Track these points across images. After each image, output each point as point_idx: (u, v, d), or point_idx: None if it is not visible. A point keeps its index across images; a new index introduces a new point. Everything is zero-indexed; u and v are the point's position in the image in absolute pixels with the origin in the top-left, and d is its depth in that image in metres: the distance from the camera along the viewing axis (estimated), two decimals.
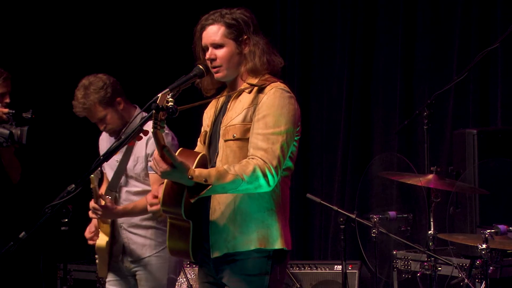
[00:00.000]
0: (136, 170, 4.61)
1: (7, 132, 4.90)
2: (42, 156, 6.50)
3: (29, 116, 4.97)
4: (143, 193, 4.61)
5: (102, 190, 4.67)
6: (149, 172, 4.64)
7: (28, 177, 5.58)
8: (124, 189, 4.64)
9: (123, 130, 4.60)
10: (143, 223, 4.67)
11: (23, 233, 3.31)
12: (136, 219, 4.65)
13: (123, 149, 4.64)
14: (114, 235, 4.66)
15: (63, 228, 3.44)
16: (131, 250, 4.67)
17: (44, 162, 6.70)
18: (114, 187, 4.54)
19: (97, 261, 4.72)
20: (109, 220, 4.63)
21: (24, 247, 3.77)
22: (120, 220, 4.65)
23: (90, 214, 4.45)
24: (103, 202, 4.43)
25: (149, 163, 3.37)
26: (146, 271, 4.66)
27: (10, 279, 5.70)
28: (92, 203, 4.40)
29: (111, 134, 4.66)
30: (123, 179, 4.60)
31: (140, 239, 4.66)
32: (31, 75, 6.83)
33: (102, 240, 4.63)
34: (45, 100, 6.71)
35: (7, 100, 5.14)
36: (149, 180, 4.65)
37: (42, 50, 7.01)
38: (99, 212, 4.41)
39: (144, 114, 3.53)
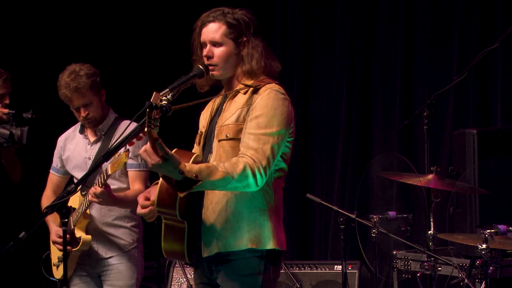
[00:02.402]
0: None
1: (7, 132, 4.90)
2: (43, 156, 6.49)
3: (29, 116, 4.97)
4: (118, 191, 4.65)
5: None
6: (128, 170, 4.67)
7: (29, 177, 5.59)
8: None
9: (99, 127, 4.72)
10: (116, 222, 4.73)
11: (23, 233, 3.32)
12: (109, 218, 4.72)
13: (96, 147, 4.69)
14: (87, 231, 4.70)
15: (63, 228, 3.44)
16: (100, 247, 4.71)
17: (44, 162, 6.69)
18: (90, 184, 4.55)
19: (54, 262, 4.74)
20: (89, 215, 4.69)
21: (24, 247, 3.78)
22: (96, 217, 4.71)
23: (91, 198, 4.47)
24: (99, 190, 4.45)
25: (141, 154, 3.34)
26: (114, 271, 4.71)
27: (10, 279, 5.70)
28: (97, 188, 4.42)
29: (89, 124, 4.71)
30: (96, 176, 4.63)
31: (111, 238, 4.71)
32: (31, 75, 6.83)
33: (85, 234, 4.67)
34: (45, 100, 6.71)
35: (7, 101, 5.15)
36: (124, 178, 4.69)
37: (42, 50, 7.01)
38: (104, 197, 4.44)
39: (126, 121, 3.52)
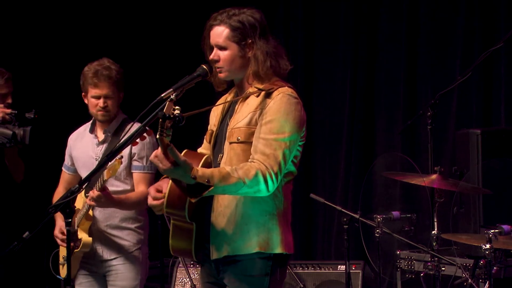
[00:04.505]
0: None
1: (10, 132, 4.90)
2: (45, 156, 6.50)
3: (32, 116, 4.98)
4: (123, 193, 4.68)
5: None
6: (133, 171, 4.68)
7: (32, 176, 5.59)
8: None
9: (106, 128, 4.76)
10: (122, 224, 4.76)
11: (26, 233, 3.31)
12: (116, 220, 4.74)
13: (103, 147, 4.70)
14: (90, 232, 4.71)
15: (67, 228, 3.43)
16: (104, 249, 4.73)
17: (47, 162, 6.70)
18: (92, 185, 4.55)
19: (61, 261, 4.76)
20: (91, 217, 4.70)
21: (27, 247, 3.77)
22: (100, 219, 4.70)
23: (89, 201, 4.48)
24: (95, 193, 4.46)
25: (152, 160, 3.35)
26: (119, 272, 4.72)
27: (14, 279, 5.70)
28: (94, 192, 4.43)
29: (102, 116, 4.72)
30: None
31: (115, 239, 4.73)
32: (33, 75, 6.83)
33: (86, 236, 4.68)
34: (48, 100, 6.71)
35: (9, 101, 5.15)
36: (129, 180, 4.70)
37: (44, 50, 7.01)
38: (102, 200, 4.45)
39: (136, 123, 3.54)
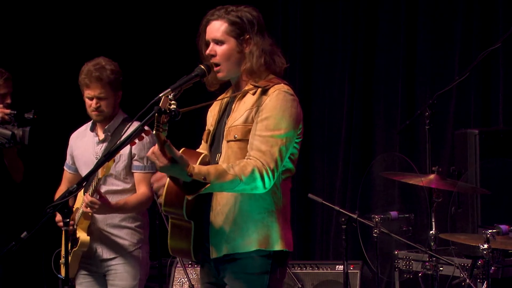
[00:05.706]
0: (117, 167, 4.65)
1: (9, 133, 4.91)
2: (45, 156, 6.51)
3: (31, 116, 4.98)
4: (123, 192, 4.68)
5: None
6: (133, 171, 4.69)
7: (31, 177, 5.59)
8: (103, 188, 4.66)
9: (105, 127, 4.74)
10: (121, 223, 4.75)
11: (24, 233, 3.32)
12: (115, 219, 4.73)
13: (103, 146, 4.70)
14: (89, 232, 4.70)
15: (64, 228, 3.43)
16: (104, 249, 4.73)
17: (46, 162, 6.70)
18: (89, 184, 4.54)
19: (62, 261, 4.76)
20: (90, 216, 4.69)
21: (26, 247, 3.78)
22: (100, 218, 4.70)
23: (84, 208, 4.48)
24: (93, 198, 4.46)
25: (149, 156, 3.35)
26: (118, 271, 4.72)
27: (12, 279, 5.70)
28: (89, 197, 4.43)
29: (96, 116, 4.72)
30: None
31: (114, 239, 4.72)
32: (32, 75, 6.84)
33: (84, 235, 4.67)
34: (47, 100, 6.72)
35: (8, 101, 5.16)
36: (129, 179, 4.70)
37: (43, 50, 7.02)
38: (96, 206, 4.44)
39: (135, 122, 3.55)
